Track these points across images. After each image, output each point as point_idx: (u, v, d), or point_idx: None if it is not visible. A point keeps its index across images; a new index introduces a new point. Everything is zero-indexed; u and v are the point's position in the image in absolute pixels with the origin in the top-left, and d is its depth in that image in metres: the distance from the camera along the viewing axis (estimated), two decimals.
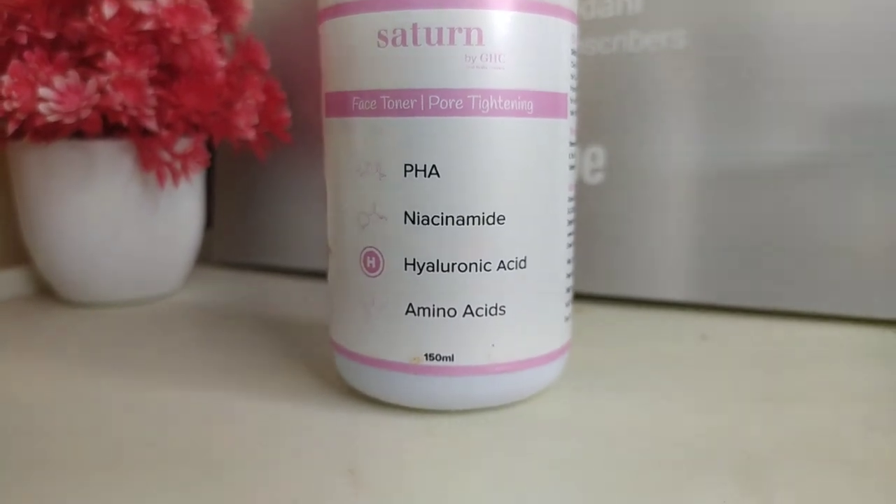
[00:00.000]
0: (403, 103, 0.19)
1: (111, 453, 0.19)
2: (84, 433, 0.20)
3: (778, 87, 0.30)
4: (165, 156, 0.32)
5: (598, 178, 0.33)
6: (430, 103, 0.19)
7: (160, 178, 0.32)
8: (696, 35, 0.31)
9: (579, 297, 0.33)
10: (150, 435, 0.20)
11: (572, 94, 0.21)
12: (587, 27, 0.33)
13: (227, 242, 0.43)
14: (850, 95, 0.29)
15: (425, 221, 0.19)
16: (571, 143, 0.21)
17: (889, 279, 0.29)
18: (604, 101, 0.33)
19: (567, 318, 0.22)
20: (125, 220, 0.33)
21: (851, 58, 0.29)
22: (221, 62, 0.32)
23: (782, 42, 0.29)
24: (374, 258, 0.20)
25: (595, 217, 0.33)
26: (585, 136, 0.33)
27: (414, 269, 0.19)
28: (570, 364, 0.23)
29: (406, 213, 0.19)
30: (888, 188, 0.28)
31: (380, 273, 0.20)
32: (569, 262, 0.22)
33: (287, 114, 0.36)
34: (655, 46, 0.31)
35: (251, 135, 0.33)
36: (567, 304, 0.22)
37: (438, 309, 0.20)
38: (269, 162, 0.40)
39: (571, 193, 0.22)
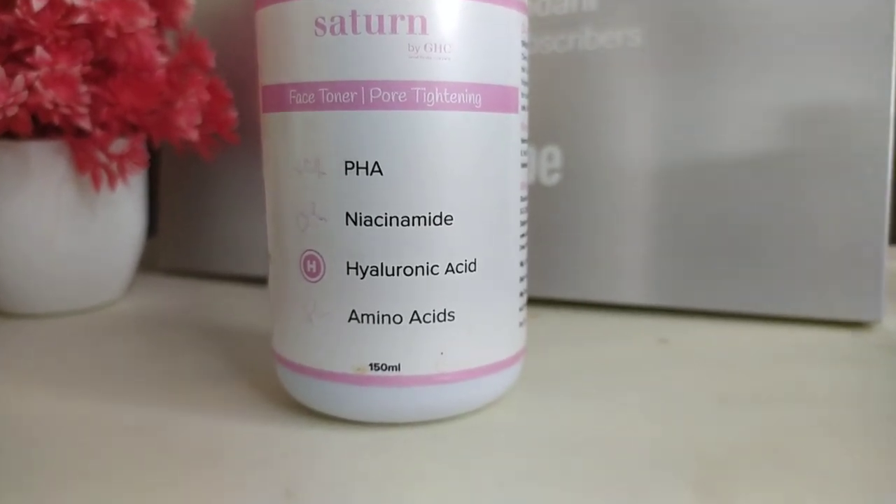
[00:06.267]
0: (343, 96, 0.18)
1: (27, 470, 0.17)
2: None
3: (735, 85, 0.29)
4: (101, 157, 0.30)
5: (554, 178, 0.32)
6: (372, 96, 0.18)
7: (95, 181, 0.30)
8: (652, 33, 0.30)
9: (536, 301, 0.32)
10: (71, 451, 0.18)
11: (523, 89, 0.20)
12: (542, 24, 0.32)
13: (173, 249, 0.41)
14: (807, 93, 0.28)
15: (368, 222, 0.18)
16: (523, 140, 0.20)
17: (848, 280, 0.28)
18: (560, 101, 0.32)
19: (521, 324, 0.21)
20: (61, 224, 0.31)
21: (809, 55, 0.28)
22: (162, 59, 0.31)
23: (740, 39, 0.29)
24: (314, 262, 0.19)
25: (552, 219, 0.32)
26: (541, 136, 0.32)
27: (357, 274, 0.18)
28: (526, 370, 0.22)
29: (347, 214, 0.18)
30: (847, 188, 0.28)
31: (321, 278, 0.19)
32: (522, 264, 0.21)
33: (234, 113, 0.35)
34: (611, 44, 0.31)
35: (193, 135, 0.32)
36: (521, 309, 0.21)
37: (383, 316, 0.18)
38: (217, 164, 0.38)
39: (524, 192, 0.21)
